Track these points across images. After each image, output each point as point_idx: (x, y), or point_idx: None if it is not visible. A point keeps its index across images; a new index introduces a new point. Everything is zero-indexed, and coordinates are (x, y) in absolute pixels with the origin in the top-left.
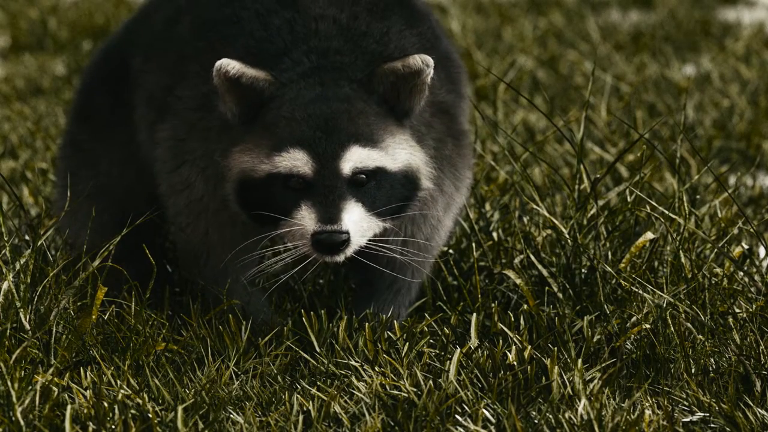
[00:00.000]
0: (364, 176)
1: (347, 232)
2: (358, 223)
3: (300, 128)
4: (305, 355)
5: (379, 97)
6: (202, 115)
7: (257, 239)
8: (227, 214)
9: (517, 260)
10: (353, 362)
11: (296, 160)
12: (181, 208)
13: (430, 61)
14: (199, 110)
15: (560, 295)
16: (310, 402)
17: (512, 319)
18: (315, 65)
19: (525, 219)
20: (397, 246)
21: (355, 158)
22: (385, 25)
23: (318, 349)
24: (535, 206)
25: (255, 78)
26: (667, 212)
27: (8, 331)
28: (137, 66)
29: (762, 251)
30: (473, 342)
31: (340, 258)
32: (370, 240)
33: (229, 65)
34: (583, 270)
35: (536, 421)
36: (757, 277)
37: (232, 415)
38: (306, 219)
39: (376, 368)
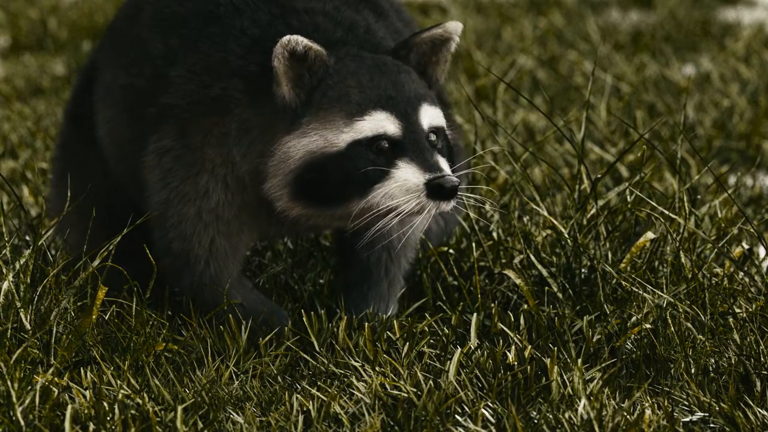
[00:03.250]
0: (434, 134)
1: (457, 179)
2: (449, 178)
3: (375, 92)
4: (305, 355)
5: (413, 67)
6: (217, 120)
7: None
8: (239, 222)
9: (517, 260)
10: (353, 362)
11: (381, 121)
12: (188, 216)
13: (460, 27)
14: (210, 115)
15: (560, 295)
16: (310, 402)
17: (512, 319)
18: (346, 46)
19: (525, 219)
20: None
21: (430, 115)
22: (362, 17)
23: (318, 349)
24: (535, 206)
25: (320, 53)
26: (667, 212)
27: (8, 331)
28: (97, 64)
29: (762, 251)
30: (473, 342)
31: (452, 204)
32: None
33: (298, 41)
34: (583, 270)
35: (536, 421)
36: (757, 277)
37: (232, 415)
38: (409, 173)
39: (376, 368)
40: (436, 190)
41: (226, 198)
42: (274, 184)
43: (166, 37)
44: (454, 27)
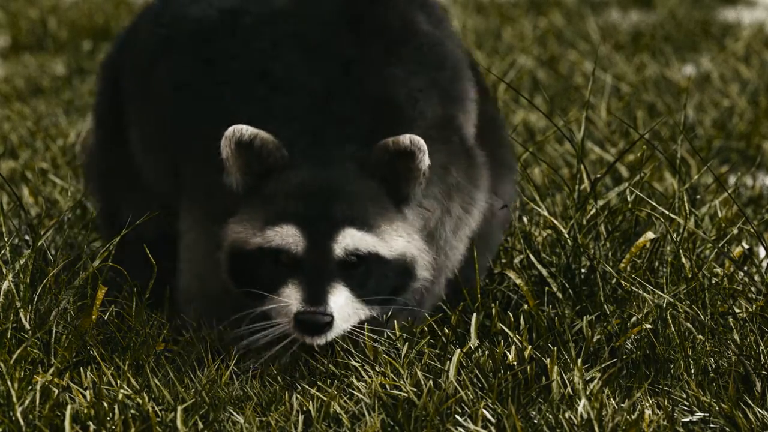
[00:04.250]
0: (355, 259)
1: (331, 315)
2: (343, 308)
3: (295, 204)
4: (305, 355)
5: (378, 178)
6: (216, 202)
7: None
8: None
9: (517, 260)
10: (353, 362)
11: (288, 237)
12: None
13: (422, 143)
14: (213, 198)
15: (560, 295)
16: (310, 402)
17: (512, 319)
18: (320, 131)
19: (525, 219)
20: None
21: (348, 241)
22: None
23: (318, 349)
24: (535, 206)
25: (267, 141)
26: (667, 212)
27: (8, 331)
28: (126, 96)
29: (762, 251)
30: (473, 342)
31: (322, 340)
32: (354, 326)
33: (242, 131)
34: (583, 270)
35: (536, 421)
36: (757, 277)
37: (232, 415)
38: (291, 297)
39: (376, 368)
40: (302, 324)
41: None
42: (219, 257)
43: (185, 111)
44: (417, 141)
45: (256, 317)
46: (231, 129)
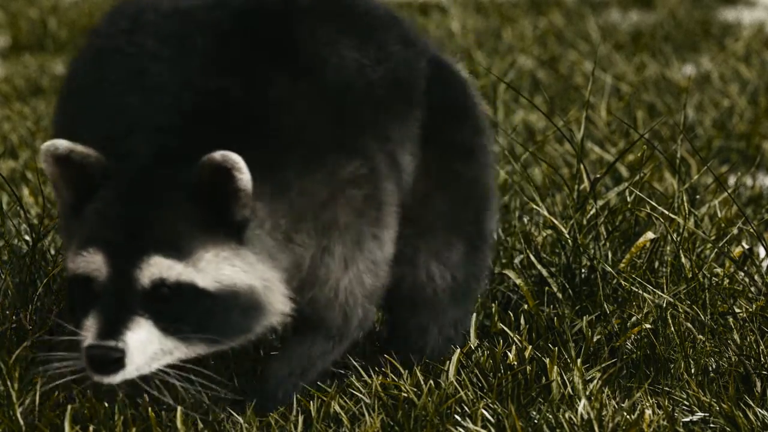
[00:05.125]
0: (167, 290)
1: (122, 351)
2: (144, 344)
3: (104, 228)
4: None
5: (203, 199)
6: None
7: None
8: None
9: (517, 260)
10: (353, 362)
11: (92, 263)
12: None
13: (236, 160)
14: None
15: (560, 295)
16: (310, 402)
17: (512, 319)
18: (155, 146)
19: (525, 219)
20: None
21: (154, 270)
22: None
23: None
24: (535, 206)
25: (85, 155)
26: (667, 212)
27: (8, 331)
28: None
29: (762, 251)
30: (473, 342)
31: (116, 380)
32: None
33: (57, 145)
34: (583, 270)
35: (536, 421)
36: (757, 277)
37: (232, 415)
38: (88, 329)
39: (376, 368)
40: (90, 360)
41: None
42: None
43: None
44: (229, 158)
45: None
46: (46, 143)
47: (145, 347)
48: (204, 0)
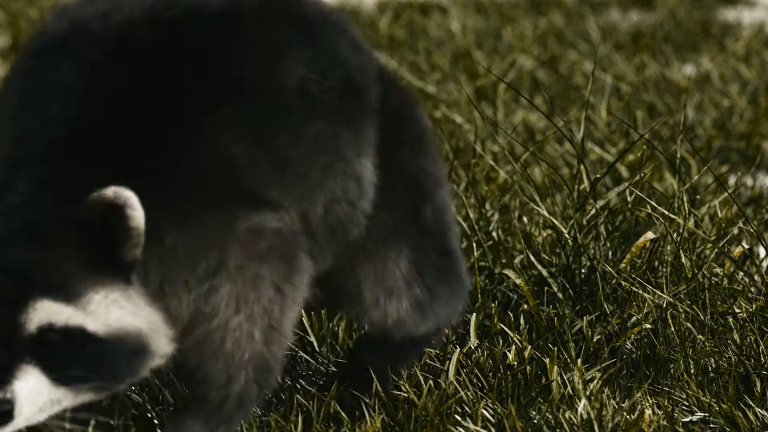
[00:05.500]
0: (56, 336)
1: (10, 402)
2: (34, 393)
3: None
4: (305, 355)
5: (92, 239)
6: None
7: None
8: None
9: (517, 260)
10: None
11: None
12: None
13: (129, 197)
14: None
15: (560, 295)
16: (310, 402)
17: (512, 319)
18: (34, 184)
19: (525, 219)
20: None
21: (42, 314)
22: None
23: (318, 349)
24: (535, 206)
25: None
26: (667, 212)
27: None
28: None
29: (762, 251)
30: (473, 342)
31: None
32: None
33: None
34: (583, 270)
35: (536, 421)
36: (757, 277)
37: None
38: None
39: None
40: None
41: None
42: None
43: None
44: (122, 195)
45: None
46: None
47: (36, 397)
48: (133, 16)
